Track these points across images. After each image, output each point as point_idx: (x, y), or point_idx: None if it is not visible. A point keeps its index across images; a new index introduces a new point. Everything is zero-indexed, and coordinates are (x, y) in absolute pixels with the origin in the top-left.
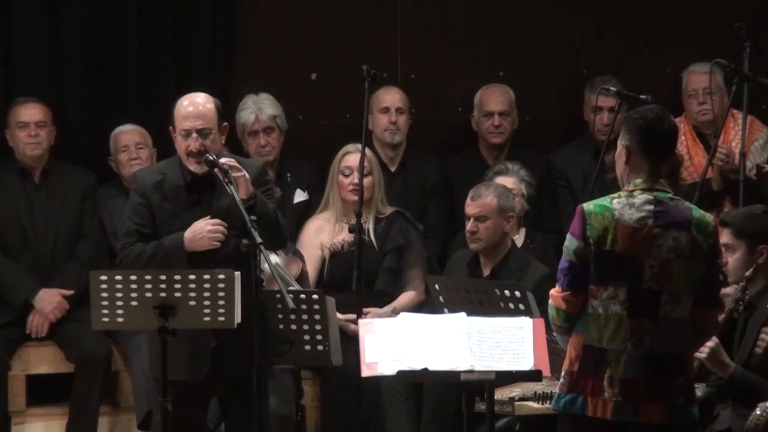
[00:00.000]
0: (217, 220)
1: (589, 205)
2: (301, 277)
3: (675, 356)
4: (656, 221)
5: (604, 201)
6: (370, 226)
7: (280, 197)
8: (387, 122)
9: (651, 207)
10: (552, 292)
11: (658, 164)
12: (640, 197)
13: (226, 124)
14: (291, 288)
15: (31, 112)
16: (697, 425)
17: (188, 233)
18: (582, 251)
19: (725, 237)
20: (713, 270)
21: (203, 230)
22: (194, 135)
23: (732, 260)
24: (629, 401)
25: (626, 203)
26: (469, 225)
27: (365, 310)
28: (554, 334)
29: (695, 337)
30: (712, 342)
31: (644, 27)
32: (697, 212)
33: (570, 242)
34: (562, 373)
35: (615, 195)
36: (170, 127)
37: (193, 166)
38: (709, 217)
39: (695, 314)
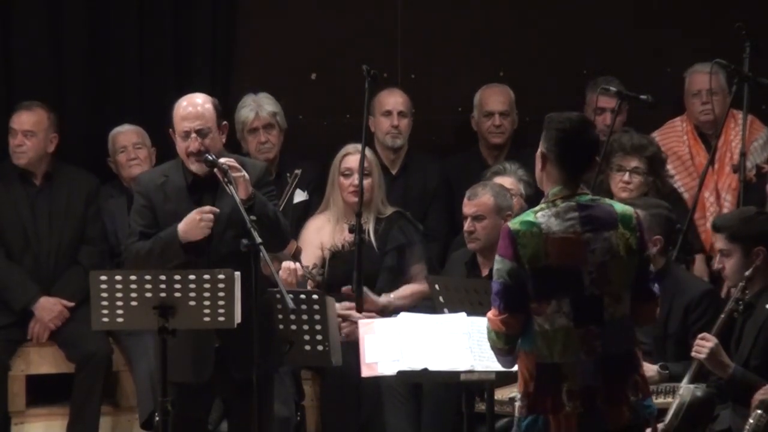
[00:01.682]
0: (206, 207)
1: (514, 224)
2: (296, 254)
3: (626, 355)
4: (584, 226)
5: (527, 217)
6: (370, 226)
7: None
8: (389, 126)
9: (576, 213)
10: (489, 315)
11: (575, 174)
12: (563, 205)
13: (225, 123)
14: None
15: (21, 120)
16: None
17: (182, 225)
18: (515, 272)
19: (720, 242)
20: (644, 263)
21: (194, 219)
22: (193, 135)
23: (729, 265)
24: (591, 410)
25: (550, 214)
26: (467, 225)
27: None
28: (497, 357)
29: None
30: (711, 343)
31: (644, 27)
32: (620, 207)
33: (502, 264)
34: (518, 396)
35: (537, 208)
36: (170, 130)
37: (194, 166)
38: (630, 209)
39: (633, 311)
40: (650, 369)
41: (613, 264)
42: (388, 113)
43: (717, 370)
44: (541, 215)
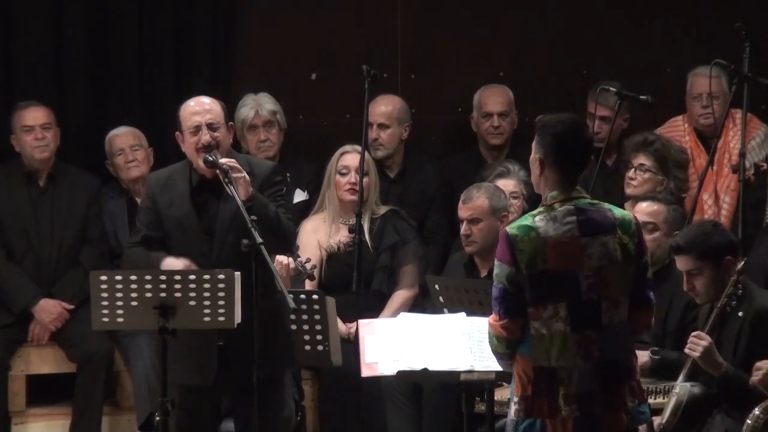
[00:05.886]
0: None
1: (512, 229)
2: (292, 250)
3: (623, 361)
4: (581, 231)
5: (525, 221)
6: (365, 226)
7: None
8: (373, 136)
9: (573, 218)
10: (489, 320)
11: (572, 176)
12: (561, 209)
13: (231, 123)
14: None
15: (35, 116)
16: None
17: (168, 261)
18: (514, 277)
19: (687, 263)
20: (642, 269)
21: (178, 265)
22: (204, 128)
23: (701, 283)
24: (588, 415)
25: (548, 218)
26: (463, 228)
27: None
28: (498, 361)
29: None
30: (705, 341)
31: (644, 27)
32: (618, 212)
33: (501, 269)
34: (515, 399)
35: (535, 212)
36: (176, 134)
37: (202, 162)
38: (629, 215)
39: (629, 317)
40: (642, 355)
41: (610, 269)
42: (372, 124)
43: (710, 368)
44: (539, 219)
